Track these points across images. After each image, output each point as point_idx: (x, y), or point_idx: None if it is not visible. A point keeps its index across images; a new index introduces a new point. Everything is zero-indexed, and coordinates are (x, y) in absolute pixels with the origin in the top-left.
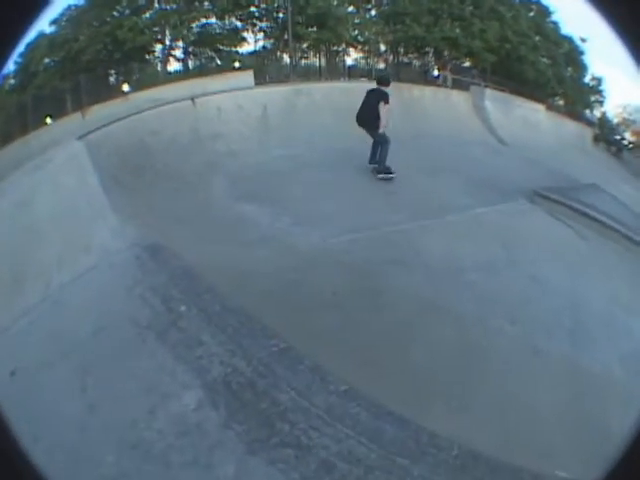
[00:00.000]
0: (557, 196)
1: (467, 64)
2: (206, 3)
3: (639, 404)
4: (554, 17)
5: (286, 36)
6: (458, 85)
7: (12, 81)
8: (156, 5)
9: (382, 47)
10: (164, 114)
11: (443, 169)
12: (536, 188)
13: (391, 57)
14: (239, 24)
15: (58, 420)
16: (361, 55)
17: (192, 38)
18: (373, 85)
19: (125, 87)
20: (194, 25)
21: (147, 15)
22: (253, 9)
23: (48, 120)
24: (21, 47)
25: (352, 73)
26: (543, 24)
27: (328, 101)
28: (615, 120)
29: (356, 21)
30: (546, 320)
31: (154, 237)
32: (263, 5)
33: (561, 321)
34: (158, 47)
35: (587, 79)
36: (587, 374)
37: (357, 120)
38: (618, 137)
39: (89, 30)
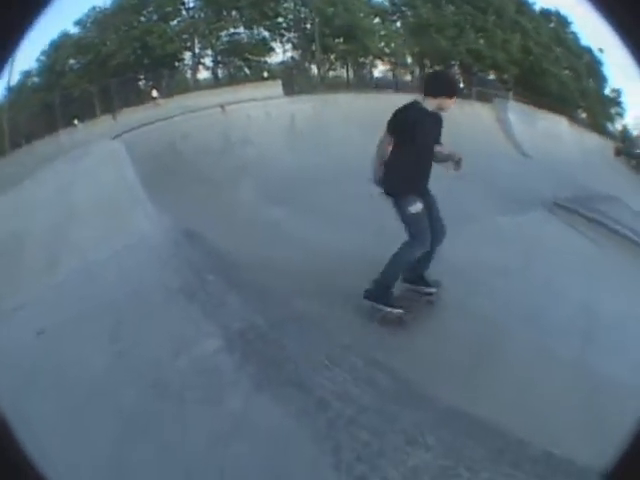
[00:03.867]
0: (577, 207)
1: (492, 77)
2: (234, 12)
3: None
4: (573, 27)
5: (314, 47)
6: (482, 97)
7: (35, 79)
8: (184, 13)
9: (408, 59)
10: (195, 120)
11: (466, 180)
12: (556, 199)
13: (417, 69)
14: (267, 34)
15: (85, 365)
16: (388, 67)
17: (221, 47)
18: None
19: (154, 93)
20: (223, 34)
21: (175, 22)
22: (280, 19)
23: (75, 122)
24: (44, 45)
25: (379, 85)
26: (563, 35)
27: (355, 112)
28: (635, 132)
29: (382, 32)
30: (561, 326)
31: (189, 224)
32: (290, 16)
33: (576, 328)
34: (187, 55)
35: (607, 91)
36: (600, 380)
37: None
38: (639, 150)
39: (117, 34)
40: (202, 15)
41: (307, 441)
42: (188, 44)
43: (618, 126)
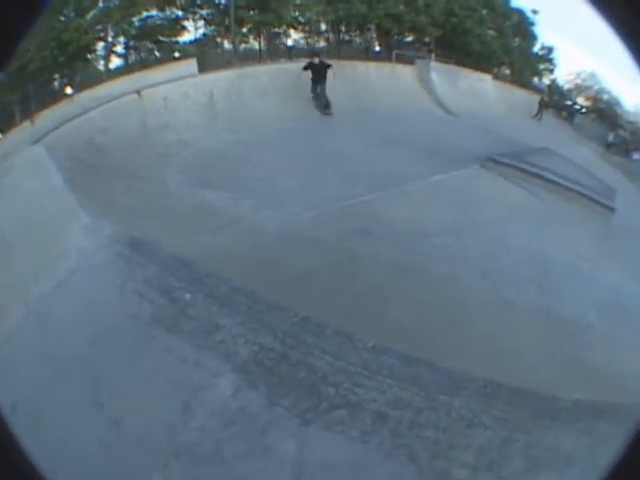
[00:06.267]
0: (509, 160)
1: (411, 39)
2: None
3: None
4: None
5: (227, 21)
6: (402, 59)
7: None
8: (100, 4)
9: (323, 26)
10: (111, 110)
11: (394, 141)
12: (488, 154)
13: (332, 35)
14: (180, 13)
15: (81, 449)
16: (301, 35)
17: (133, 32)
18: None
19: (68, 90)
20: (135, 19)
21: (91, 14)
22: None
23: None
24: None
25: (293, 54)
26: None
27: (273, 83)
28: (566, 86)
29: (297, 2)
30: (514, 274)
31: (130, 232)
32: None
33: (529, 274)
34: (100, 45)
35: (536, 49)
36: (561, 319)
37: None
38: (569, 102)
39: (36, 38)
40: (117, 3)
41: (382, 458)
42: (102, 34)
43: (546, 81)
